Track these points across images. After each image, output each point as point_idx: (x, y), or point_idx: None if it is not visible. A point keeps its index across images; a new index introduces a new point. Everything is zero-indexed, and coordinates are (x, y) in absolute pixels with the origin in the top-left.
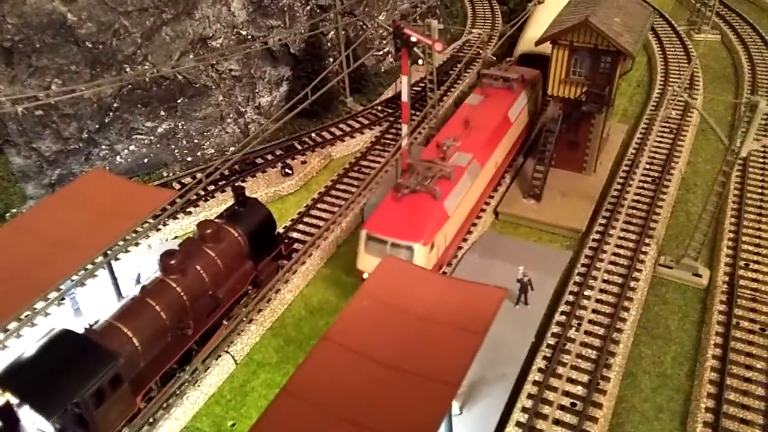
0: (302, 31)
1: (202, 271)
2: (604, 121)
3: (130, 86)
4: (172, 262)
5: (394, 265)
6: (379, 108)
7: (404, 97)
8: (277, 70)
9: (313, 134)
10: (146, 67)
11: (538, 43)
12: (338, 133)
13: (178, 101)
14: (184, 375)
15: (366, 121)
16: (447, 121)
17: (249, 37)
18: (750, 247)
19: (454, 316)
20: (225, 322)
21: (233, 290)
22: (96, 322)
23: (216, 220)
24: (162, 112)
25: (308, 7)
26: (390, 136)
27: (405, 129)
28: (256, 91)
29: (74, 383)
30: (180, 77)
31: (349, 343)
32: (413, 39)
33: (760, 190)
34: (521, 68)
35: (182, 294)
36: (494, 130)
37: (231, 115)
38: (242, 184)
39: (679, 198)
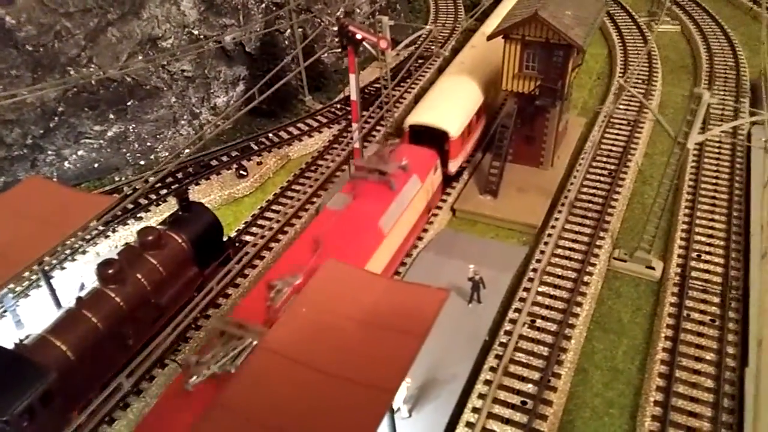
0: (257, 29)
1: (142, 279)
2: (560, 115)
3: (75, 89)
4: (110, 271)
5: (335, 268)
6: (339, 106)
7: (353, 96)
8: (232, 69)
9: (270, 134)
10: (92, 69)
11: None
12: (296, 132)
13: (128, 103)
14: (126, 385)
15: (325, 120)
16: (297, 237)
17: (201, 36)
18: (703, 239)
19: (394, 320)
20: (168, 330)
21: (178, 297)
22: (27, 337)
23: (158, 227)
24: (111, 115)
25: (263, 5)
26: (349, 134)
27: (356, 128)
28: (211, 91)
29: (2, 402)
30: (129, 79)
31: (286, 351)
32: (358, 37)
33: (714, 181)
34: (411, 149)
35: (121, 303)
36: (356, 252)
37: (185, 117)
38: (196, 187)
39: (635, 190)
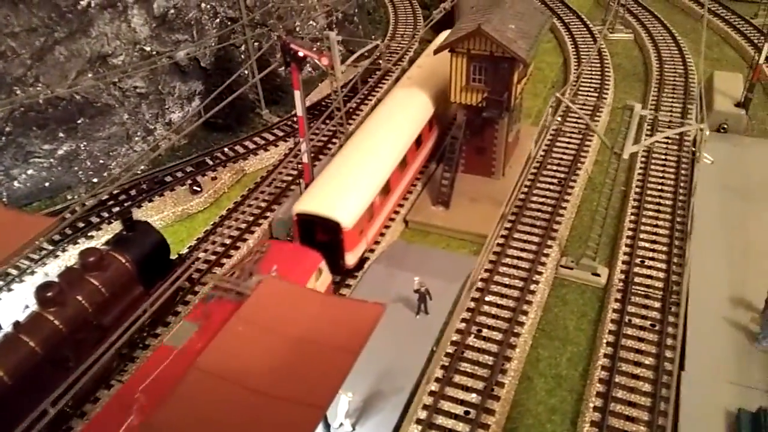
0: (212, 44)
1: (83, 301)
2: (508, 126)
3: (22, 109)
4: (49, 294)
5: (273, 286)
6: (296, 119)
7: (299, 112)
8: (187, 85)
9: (225, 149)
10: (39, 88)
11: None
12: (252, 146)
13: (78, 122)
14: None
15: (281, 133)
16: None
17: (154, 52)
18: (647, 244)
19: (329, 336)
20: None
21: (122, 318)
22: None
23: (100, 247)
24: (61, 134)
25: (217, 20)
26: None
27: (303, 144)
28: (166, 107)
29: None
30: (78, 97)
31: (220, 371)
32: (300, 54)
33: (660, 188)
34: (285, 251)
35: (60, 326)
36: None
37: (139, 133)
38: (149, 204)
39: (584, 198)
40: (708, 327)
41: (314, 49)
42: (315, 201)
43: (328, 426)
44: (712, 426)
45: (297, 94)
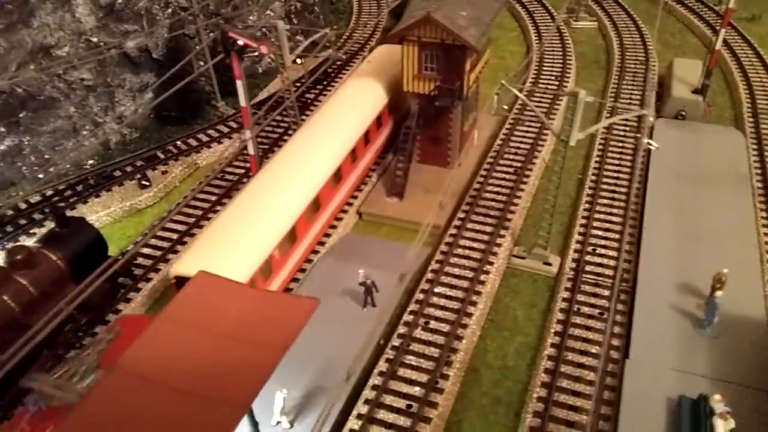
0: (164, 34)
1: (10, 301)
2: (463, 115)
3: None
4: None
5: (205, 281)
6: (253, 110)
7: (242, 102)
8: (139, 76)
9: (178, 142)
10: None
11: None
12: (206, 139)
13: (21, 115)
14: None
15: (236, 125)
16: None
17: (101, 43)
18: (599, 232)
19: (259, 332)
20: (45, 352)
21: (54, 317)
22: None
23: (30, 245)
24: (2, 128)
25: (169, 10)
26: (259, 139)
27: (248, 134)
28: (116, 99)
29: None
30: (20, 90)
31: (141, 370)
32: (240, 43)
33: (615, 175)
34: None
35: None
36: None
37: (87, 127)
38: (96, 199)
39: (540, 187)
40: (654, 314)
41: (257, 37)
42: (195, 261)
43: (255, 424)
44: (653, 413)
45: (239, 84)
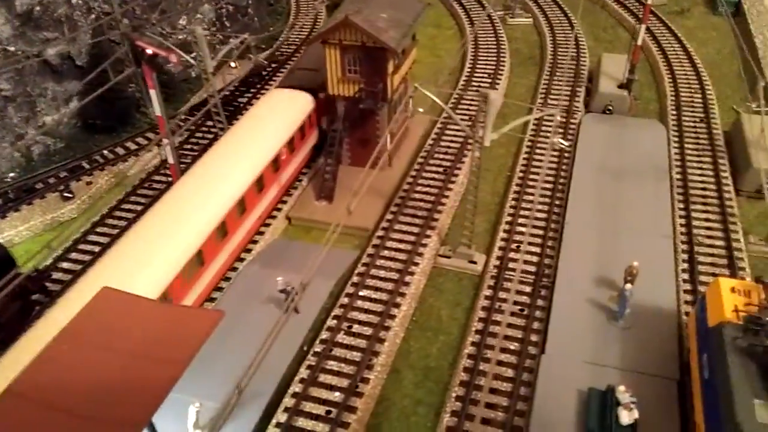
0: (87, 41)
1: None
2: (390, 116)
3: None
4: None
5: (108, 297)
6: (183, 117)
7: (157, 111)
8: (62, 85)
9: (105, 151)
10: None
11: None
12: (134, 147)
13: None
14: None
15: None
16: None
17: (19, 52)
18: (524, 229)
19: (161, 348)
20: None
21: None
22: None
23: None
24: None
25: (92, 16)
26: (189, 146)
27: (165, 143)
28: (38, 110)
29: None
30: None
31: (34, 394)
32: (149, 52)
33: (542, 172)
34: None
35: None
36: None
37: (7, 138)
38: (15, 214)
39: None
40: (571, 308)
41: (168, 45)
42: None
43: None
44: (564, 407)
45: (152, 93)
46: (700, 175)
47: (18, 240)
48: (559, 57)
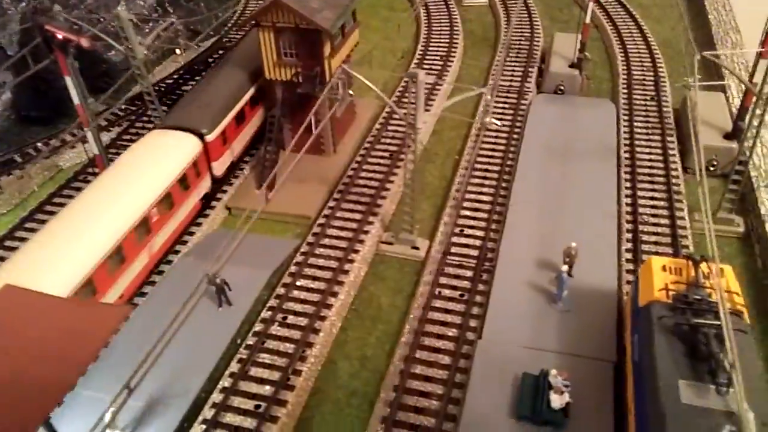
0: (17, 28)
1: None
2: (331, 101)
3: None
4: None
5: (12, 295)
6: (124, 107)
7: (75, 100)
8: None
9: (39, 143)
10: None
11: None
12: (69, 139)
13: None
14: None
15: (104, 123)
16: None
17: None
18: (469, 213)
19: (61, 346)
20: None
21: None
22: None
23: None
24: None
25: (23, 3)
26: (128, 137)
27: (88, 134)
28: None
29: None
30: None
31: None
32: (59, 37)
33: (489, 155)
34: None
35: None
36: None
37: None
38: None
39: (417, 169)
40: (511, 292)
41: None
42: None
43: None
44: (498, 393)
45: (68, 80)
46: (648, 153)
47: None
48: (513, 38)
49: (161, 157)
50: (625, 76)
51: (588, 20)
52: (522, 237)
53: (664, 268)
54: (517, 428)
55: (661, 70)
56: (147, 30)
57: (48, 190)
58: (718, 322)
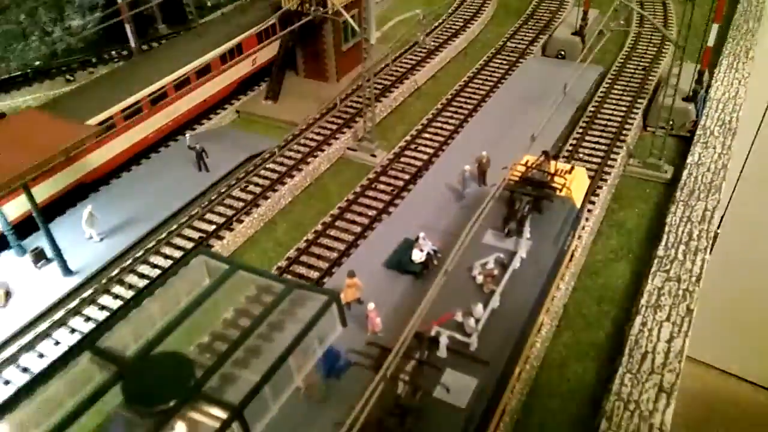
0: None
1: None
2: (334, 32)
3: None
4: None
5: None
6: None
7: None
8: None
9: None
10: None
11: None
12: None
13: None
14: None
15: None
16: None
17: None
18: (428, 135)
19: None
20: None
21: None
22: None
23: None
24: None
25: None
26: None
27: None
28: (66, 14)
29: None
30: None
31: None
32: None
33: (469, 95)
34: None
35: None
36: None
37: (36, 34)
38: None
39: (406, 102)
40: (430, 189)
41: None
42: None
43: None
44: (382, 250)
45: None
46: (612, 110)
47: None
48: (539, 11)
49: None
50: (629, 48)
51: None
52: (458, 155)
53: (527, 163)
54: (384, 273)
55: (667, 45)
56: None
57: None
58: (536, 194)
